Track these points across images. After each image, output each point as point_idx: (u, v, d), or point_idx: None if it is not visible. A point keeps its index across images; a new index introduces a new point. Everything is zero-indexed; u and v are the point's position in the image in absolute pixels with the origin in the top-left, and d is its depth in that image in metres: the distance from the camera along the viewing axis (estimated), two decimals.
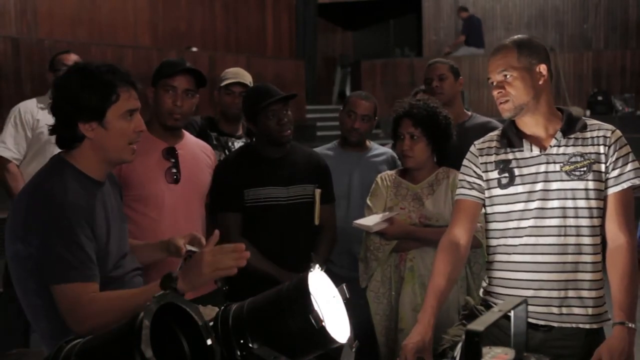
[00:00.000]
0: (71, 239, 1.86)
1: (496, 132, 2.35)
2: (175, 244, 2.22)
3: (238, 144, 3.74)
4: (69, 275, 1.85)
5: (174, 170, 2.77)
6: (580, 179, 2.17)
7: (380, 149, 3.68)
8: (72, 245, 1.86)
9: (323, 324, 1.36)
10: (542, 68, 2.21)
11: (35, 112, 3.97)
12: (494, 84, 2.22)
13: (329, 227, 3.17)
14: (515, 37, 2.28)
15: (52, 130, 2.02)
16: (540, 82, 2.20)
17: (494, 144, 2.31)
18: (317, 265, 1.45)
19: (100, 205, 2.00)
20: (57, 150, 3.76)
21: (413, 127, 2.95)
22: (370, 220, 2.91)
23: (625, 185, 2.17)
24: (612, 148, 2.18)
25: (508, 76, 2.19)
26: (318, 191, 3.09)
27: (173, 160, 2.78)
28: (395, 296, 2.95)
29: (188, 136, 2.98)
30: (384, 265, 2.98)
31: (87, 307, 1.85)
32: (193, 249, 2.22)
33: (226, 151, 3.67)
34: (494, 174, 2.27)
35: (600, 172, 2.18)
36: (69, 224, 1.86)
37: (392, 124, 3.06)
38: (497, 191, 2.26)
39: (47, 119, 3.87)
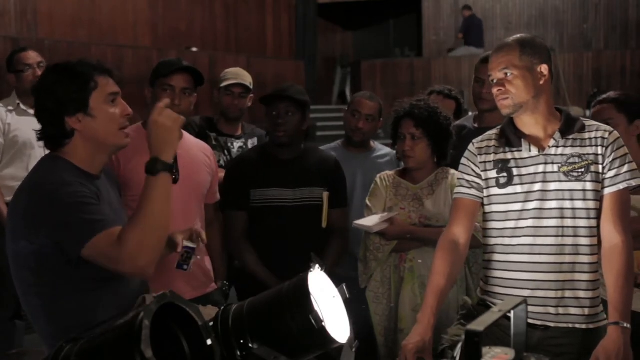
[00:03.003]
0: (75, 204, 1.85)
1: (494, 131, 2.34)
2: (174, 240, 2.22)
3: (238, 144, 3.74)
4: (93, 228, 1.83)
5: (173, 171, 2.77)
6: (578, 180, 2.18)
7: (384, 150, 3.67)
8: (78, 206, 1.85)
9: (323, 324, 1.36)
10: (544, 68, 2.21)
11: (5, 117, 3.87)
12: (495, 81, 2.22)
13: (339, 231, 3.15)
14: (519, 35, 2.28)
15: (40, 134, 2.02)
16: (541, 82, 2.20)
17: (492, 143, 2.31)
18: (317, 265, 1.45)
19: (96, 196, 1.99)
20: (37, 151, 3.78)
21: (414, 128, 2.95)
22: (371, 221, 2.90)
23: (621, 186, 2.17)
24: (609, 149, 2.18)
25: (509, 74, 2.19)
26: (326, 194, 3.09)
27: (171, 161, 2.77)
28: (394, 296, 2.95)
29: (187, 136, 2.97)
30: (384, 265, 2.98)
31: (122, 243, 1.80)
32: (190, 245, 2.22)
33: (225, 152, 3.68)
34: (493, 174, 2.27)
35: (598, 173, 2.18)
36: (67, 196, 1.86)
37: (393, 124, 3.06)
38: (495, 190, 2.26)
39: (18, 121, 3.88)
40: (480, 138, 2.37)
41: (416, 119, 2.95)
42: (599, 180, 2.18)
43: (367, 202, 3.07)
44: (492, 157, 2.28)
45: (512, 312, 1.45)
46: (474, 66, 3.46)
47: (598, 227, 2.20)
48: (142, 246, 1.81)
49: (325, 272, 1.49)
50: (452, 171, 3.02)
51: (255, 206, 3.04)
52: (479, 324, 1.31)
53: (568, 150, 2.20)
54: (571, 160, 2.19)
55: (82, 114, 1.96)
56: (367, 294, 3.00)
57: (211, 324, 1.39)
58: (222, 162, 3.55)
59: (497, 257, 2.27)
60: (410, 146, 2.96)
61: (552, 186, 2.19)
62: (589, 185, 2.18)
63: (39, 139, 2.04)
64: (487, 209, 2.29)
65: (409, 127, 2.96)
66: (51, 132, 1.99)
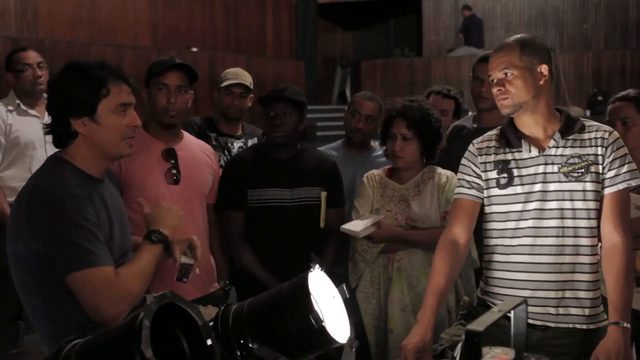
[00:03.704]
0: (81, 227, 1.86)
1: (494, 132, 2.34)
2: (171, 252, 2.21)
3: (238, 144, 3.75)
4: (91, 260, 1.85)
5: (174, 171, 2.77)
6: (578, 180, 2.18)
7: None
8: (83, 231, 1.86)
9: (323, 324, 1.36)
10: (544, 68, 2.21)
11: (6, 117, 3.85)
12: (495, 81, 2.22)
13: (337, 231, 3.16)
14: (518, 36, 2.28)
15: (48, 129, 2.03)
16: (541, 82, 2.20)
17: (492, 143, 2.31)
18: (317, 265, 1.45)
19: (101, 201, 2.00)
20: (38, 152, 3.78)
21: (406, 129, 2.95)
22: (358, 226, 2.89)
23: (621, 186, 2.17)
24: (609, 149, 2.18)
25: (509, 74, 2.19)
26: (324, 194, 3.09)
27: (173, 161, 2.78)
28: (384, 296, 2.95)
29: (188, 136, 2.98)
30: (373, 265, 2.99)
31: (119, 286, 1.87)
32: (187, 261, 2.22)
33: (225, 152, 3.68)
34: (493, 174, 2.27)
35: (598, 173, 2.18)
36: (73, 215, 1.87)
37: (384, 123, 3.06)
38: (496, 191, 2.26)
39: (19, 121, 3.86)
40: (480, 139, 2.37)
41: (409, 120, 2.94)
42: (599, 180, 2.18)
43: (355, 203, 3.07)
44: (492, 158, 2.28)
45: (512, 312, 1.46)
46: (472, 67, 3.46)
47: (598, 227, 2.20)
48: (131, 295, 1.90)
49: (325, 272, 1.49)
50: (439, 170, 3.02)
51: (253, 206, 3.04)
52: (479, 324, 1.31)
53: (568, 151, 2.20)
54: (571, 161, 2.19)
55: (87, 118, 1.97)
56: (357, 294, 3.00)
57: (211, 324, 1.39)
58: (222, 162, 3.55)
59: (497, 257, 2.27)
60: (400, 146, 2.95)
61: (552, 187, 2.19)
62: (589, 186, 2.18)
63: (47, 133, 2.05)
64: (488, 209, 2.29)
65: (400, 128, 2.96)
66: (56, 129, 2.00)
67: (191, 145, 2.94)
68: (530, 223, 2.20)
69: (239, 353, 1.37)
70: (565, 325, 2.19)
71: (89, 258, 1.85)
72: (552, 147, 2.21)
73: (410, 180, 3.02)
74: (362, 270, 2.99)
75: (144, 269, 1.96)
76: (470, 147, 2.35)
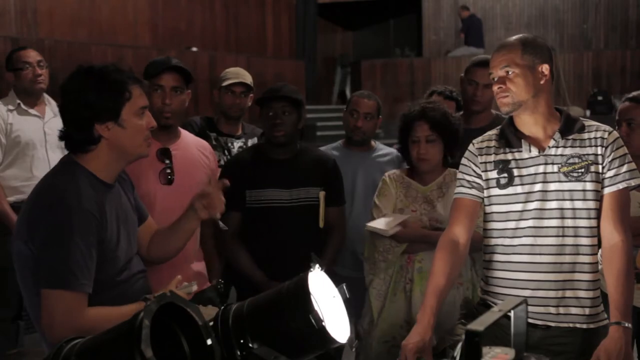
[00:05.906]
0: (75, 246, 1.85)
1: (494, 132, 2.34)
2: (207, 194, 2.23)
3: (238, 144, 3.74)
4: (67, 281, 1.84)
5: (168, 171, 2.76)
6: (578, 180, 2.18)
7: (385, 149, 3.67)
8: (75, 251, 1.85)
9: (323, 324, 1.36)
10: (545, 68, 2.21)
11: (6, 116, 3.84)
12: (495, 79, 2.23)
13: (337, 229, 3.15)
14: (521, 35, 2.29)
15: (63, 135, 2.02)
16: (542, 82, 2.21)
17: (492, 143, 2.31)
18: (317, 265, 1.45)
19: (111, 208, 2.01)
20: (39, 151, 3.76)
21: (430, 131, 2.91)
22: (385, 224, 2.86)
23: (620, 186, 2.18)
24: (609, 149, 2.18)
25: (510, 72, 2.19)
26: (322, 193, 3.07)
27: (167, 161, 2.77)
28: (391, 296, 2.92)
29: (185, 135, 2.95)
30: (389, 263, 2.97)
31: (81, 320, 1.85)
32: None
33: (225, 151, 3.68)
34: (493, 174, 2.27)
35: (598, 173, 2.18)
36: (75, 230, 1.86)
37: (403, 127, 2.99)
38: (496, 191, 2.26)
39: (19, 121, 3.86)
40: (480, 138, 2.37)
41: (431, 122, 2.90)
42: (598, 180, 2.19)
43: (376, 201, 3.02)
44: (492, 158, 2.28)
45: (513, 311, 1.45)
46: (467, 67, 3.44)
47: (598, 227, 2.20)
48: (85, 332, 1.83)
49: (325, 272, 1.49)
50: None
51: (251, 207, 3.03)
52: (479, 324, 1.31)
53: (568, 151, 2.20)
54: (571, 161, 2.19)
55: (112, 122, 1.97)
56: (370, 291, 2.98)
57: (211, 324, 1.39)
58: (222, 162, 3.55)
59: (497, 257, 2.27)
60: (425, 149, 2.91)
61: (552, 186, 2.19)
62: (589, 186, 2.18)
63: (61, 139, 2.04)
64: (488, 209, 2.29)
65: (424, 130, 2.91)
66: (77, 136, 1.99)
67: (188, 144, 2.92)
68: (530, 223, 2.20)
69: (239, 353, 1.38)
70: (566, 325, 2.19)
71: (69, 279, 1.84)
72: (552, 147, 2.21)
73: (433, 182, 2.99)
74: (382, 271, 2.95)
75: (117, 320, 1.92)
76: (471, 147, 2.35)
